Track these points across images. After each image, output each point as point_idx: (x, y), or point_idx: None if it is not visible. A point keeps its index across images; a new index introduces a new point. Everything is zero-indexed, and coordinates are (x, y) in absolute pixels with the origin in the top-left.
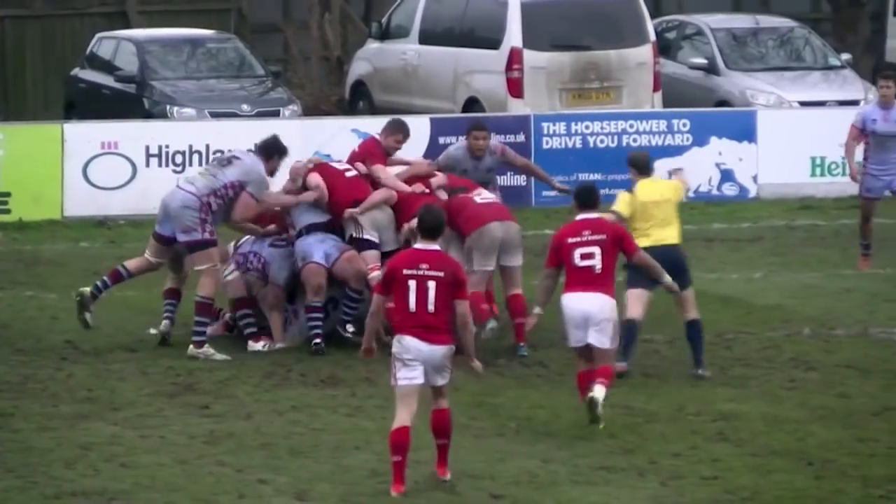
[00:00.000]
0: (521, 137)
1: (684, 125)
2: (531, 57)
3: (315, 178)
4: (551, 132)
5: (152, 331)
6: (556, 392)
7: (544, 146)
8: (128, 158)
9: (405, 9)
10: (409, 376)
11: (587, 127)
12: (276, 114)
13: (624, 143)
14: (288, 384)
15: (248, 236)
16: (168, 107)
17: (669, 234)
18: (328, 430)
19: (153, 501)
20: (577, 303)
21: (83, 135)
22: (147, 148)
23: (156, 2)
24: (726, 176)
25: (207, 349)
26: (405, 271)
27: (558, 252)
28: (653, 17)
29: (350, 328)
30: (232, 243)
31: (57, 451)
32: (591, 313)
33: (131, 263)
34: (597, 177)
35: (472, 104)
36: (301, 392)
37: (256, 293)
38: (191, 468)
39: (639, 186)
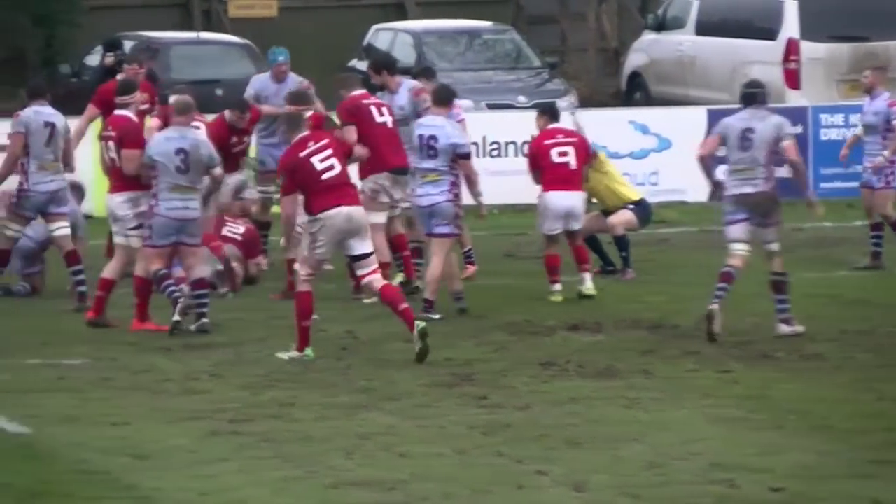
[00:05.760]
0: (798, 129)
1: None
2: (809, 48)
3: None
4: (829, 123)
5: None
6: (833, 384)
7: (822, 138)
8: None
9: (682, 0)
10: None
11: None
12: None
13: None
14: (565, 375)
15: None
16: None
17: None
18: (605, 421)
19: (430, 491)
20: None
21: None
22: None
23: None
24: None
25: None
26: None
27: None
28: None
29: None
30: None
31: (335, 440)
32: None
33: None
34: None
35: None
36: (577, 383)
37: None
38: (468, 458)
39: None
